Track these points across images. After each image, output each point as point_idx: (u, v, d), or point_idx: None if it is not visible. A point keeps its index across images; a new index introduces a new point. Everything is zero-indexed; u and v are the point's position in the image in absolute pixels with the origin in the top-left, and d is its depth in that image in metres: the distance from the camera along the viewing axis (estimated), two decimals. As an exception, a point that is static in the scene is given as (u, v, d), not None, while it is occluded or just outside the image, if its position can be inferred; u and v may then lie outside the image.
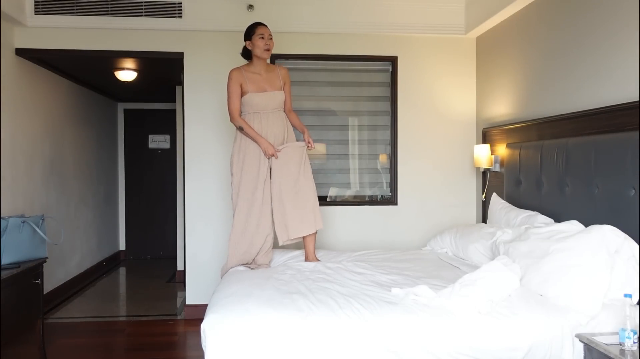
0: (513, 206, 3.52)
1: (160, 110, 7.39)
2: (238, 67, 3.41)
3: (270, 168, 3.37)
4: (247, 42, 3.40)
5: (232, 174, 3.42)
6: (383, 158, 4.64)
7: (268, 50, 3.37)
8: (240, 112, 3.39)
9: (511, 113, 3.97)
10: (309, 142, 3.44)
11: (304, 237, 3.40)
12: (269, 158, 3.35)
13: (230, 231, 3.44)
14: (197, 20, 4.29)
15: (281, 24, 4.24)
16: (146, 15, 4.23)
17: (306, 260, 3.42)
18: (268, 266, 3.37)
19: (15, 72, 4.21)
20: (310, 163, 3.50)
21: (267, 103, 3.36)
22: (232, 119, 3.38)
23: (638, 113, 2.54)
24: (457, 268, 3.20)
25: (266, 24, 3.42)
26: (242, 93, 3.38)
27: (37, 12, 4.15)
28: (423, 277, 2.92)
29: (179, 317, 4.55)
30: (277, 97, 3.40)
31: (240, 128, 3.35)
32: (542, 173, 3.28)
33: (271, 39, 3.38)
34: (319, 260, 3.40)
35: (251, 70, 3.42)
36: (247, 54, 3.46)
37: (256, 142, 3.33)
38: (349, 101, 4.58)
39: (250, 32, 3.39)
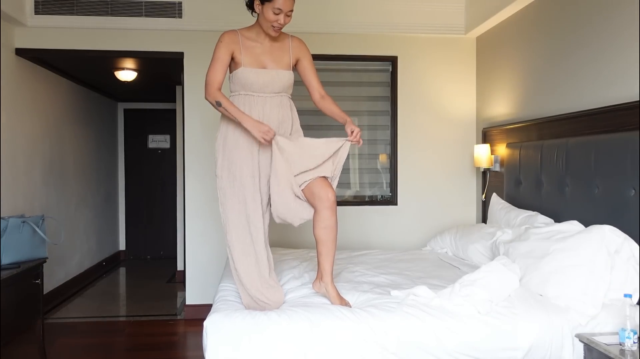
0: (513, 206, 3.52)
1: (160, 110, 7.39)
2: (234, 30, 2.56)
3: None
4: (257, 5, 2.49)
5: (216, 176, 2.55)
6: (383, 158, 4.64)
7: (277, 29, 2.50)
8: (223, 89, 2.52)
9: (511, 113, 3.97)
10: (351, 135, 2.49)
11: (318, 252, 2.51)
12: (264, 143, 2.41)
13: (233, 258, 2.51)
14: (197, 20, 4.29)
15: (281, 24, 4.23)
16: (146, 15, 4.23)
17: (315, 284, 2.55)
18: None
19: (15, 72, 4.21)
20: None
21: (266, 85, 2.51)
22: (206, 93, 2.46)
23: (638, 113, 2.54)
24: (457, 268, 3.20)
25: None
26: (234, 66, 2.54)
27: (37, 12, 4.14)
28: (423, 277, 2.93)
29: (179, 317, 4.55)
30: (281, 78, 2.54)
31: (218, 104, 2.44)
32: (542, 173, 3.28)
33: (289, 16, 2.48)
34: (344, 300, 2.46)
35: (251, 36, 2.56)
36: (252, 5, 2.54)
37: (240, 123, 2.42)
38: (349, 101, 4.57)
39: None
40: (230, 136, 2.52)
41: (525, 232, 2.87)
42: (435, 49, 4.57)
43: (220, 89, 2.49)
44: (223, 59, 2.50)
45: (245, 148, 2.50)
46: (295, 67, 2.65)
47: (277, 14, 2.44)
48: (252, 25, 2.59)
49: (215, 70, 2.49)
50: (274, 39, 2.58)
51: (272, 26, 2.48)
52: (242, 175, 2.49)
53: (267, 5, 2.43)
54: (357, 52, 4.47)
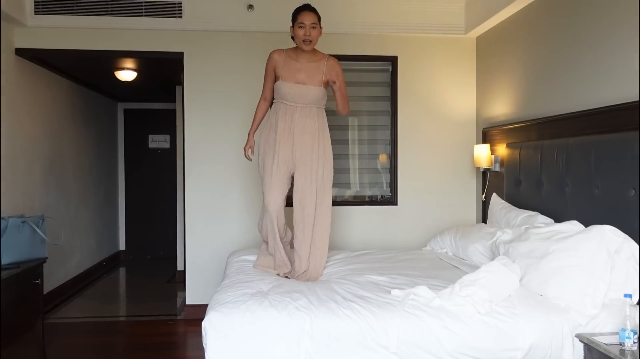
0: (513, 206, 3.52)
1: (160, 110, 7.39)
2: (281, 49, 3.14)
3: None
4: (291, 28, 3.08)
5: (259, 145, 3.18)
6: (383, 158, 4.64)
7: (308, 42, 3.00)
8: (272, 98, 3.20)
9: (511, 113, 3.97)
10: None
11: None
12: (245, 156, 3.24)
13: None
14: (197, 20, 4.29)
15: (281, 24, 4.22)
16: (146, 15, 4.23)
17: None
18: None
19: (15, 72, 4.21)
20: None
21: (297, 97, 3.03)
22: None
23: (638, 113, 2.54)
24: (457, 268, 3.20)
25: (314, 8, 3.07)
26: (276, 78, 3.11)
27: (37, 12, 4.14)
28: (423, 277, 2.92)
29: (179, 317, 4.55)
30: (311, 92, 3.05)
31: None
32: (542, 173, 3.28)
33: (314, 27, 2.99)
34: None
35: (293, 55, 3.10)
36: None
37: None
38: (349, 101, 4.55)
39: (292, 18, 3.05)
40: (272, 138, 3.08)
41: (525, 232, 2.87)
42: (435, 49, 4.57)
43: (267, 98, 3.18)
44: (269, 73, 3.12)
45: (273, 138, 3.10)
46: (328, 83, 3.09)
47: (302, 28, 2.95)
48: (296, 46, 3.09)
49: (264, 82, 3.16)
50: (312, 59, 3.08)
51: (303, 41, 2.98)
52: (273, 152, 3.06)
53: (295, 25, 3.00)
54: (357, 52, 4.47)
